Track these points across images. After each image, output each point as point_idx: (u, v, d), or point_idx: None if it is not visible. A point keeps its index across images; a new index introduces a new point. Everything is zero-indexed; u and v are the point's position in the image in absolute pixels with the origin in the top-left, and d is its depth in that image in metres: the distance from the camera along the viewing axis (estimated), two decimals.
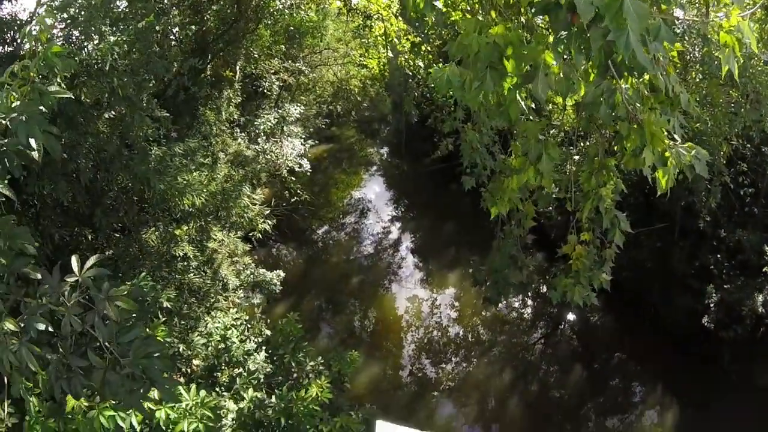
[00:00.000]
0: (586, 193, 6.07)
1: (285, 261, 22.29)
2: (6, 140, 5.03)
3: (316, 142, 25.73)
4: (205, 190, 11.57)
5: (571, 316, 19.83)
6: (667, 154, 4.06)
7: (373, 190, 28.64)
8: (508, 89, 4.42)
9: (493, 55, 4.23)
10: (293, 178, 20.86)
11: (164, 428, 7.52)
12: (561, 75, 4.12)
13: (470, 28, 4.11)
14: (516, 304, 20.23)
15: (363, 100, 29.21)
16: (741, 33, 3.98)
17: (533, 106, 6.41)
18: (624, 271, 18.28)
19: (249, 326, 11.42)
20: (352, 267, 22.46)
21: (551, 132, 16.29)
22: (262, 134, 17.13)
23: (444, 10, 9.90)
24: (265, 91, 19.81)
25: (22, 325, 4.94)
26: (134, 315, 5.45)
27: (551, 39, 3.98)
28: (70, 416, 6.83)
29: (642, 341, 18.26)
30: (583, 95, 4.89)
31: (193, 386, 8.11)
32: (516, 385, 17.34)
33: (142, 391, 5.23)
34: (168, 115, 11.60)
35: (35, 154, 5.15)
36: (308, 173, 21.08)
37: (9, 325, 4.81)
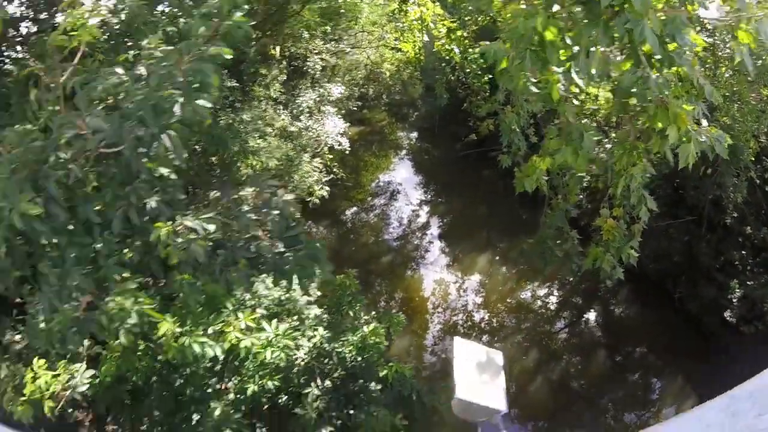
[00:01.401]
0: (618, 172, 6.55)
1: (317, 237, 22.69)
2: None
3: (348, 124, 26.07)
4: (274, 153, 11.98)
5: (597, 306, 20.07)
6: (688, 134, 4.60)
7: (401, 174, 28.86)
8: (551, 73, 4.98)
9: (534, 39, 4.78)
10: (330, 156, 21.28)
11: (246, 357, 8.00)
12: (601, 58, 4.64)
13: (517, 14, 4.64)
14: (542, 293, 20.49)
15: (394, 84, 29.31)
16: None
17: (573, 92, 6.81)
18: (652, 263, 18.49)
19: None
20: (381, 248, 22.86)
21: (584, 121, 16.54)
22: (305, 112, 17.51)
23: None
24: (309, 70, 20.14)
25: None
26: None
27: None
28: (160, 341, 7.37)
29: (666, 333, 18.42)
30: (618, 82, 5.35)
31: (275, 320, 8.57)
32: (538, 370, 17.65)
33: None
34: (238, 84, 11.97)
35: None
36: (347, 152, 21.47)
37: (187, 222, 5.45)
